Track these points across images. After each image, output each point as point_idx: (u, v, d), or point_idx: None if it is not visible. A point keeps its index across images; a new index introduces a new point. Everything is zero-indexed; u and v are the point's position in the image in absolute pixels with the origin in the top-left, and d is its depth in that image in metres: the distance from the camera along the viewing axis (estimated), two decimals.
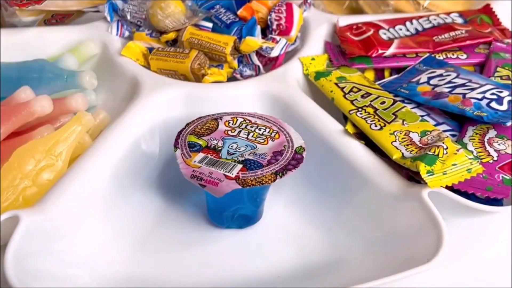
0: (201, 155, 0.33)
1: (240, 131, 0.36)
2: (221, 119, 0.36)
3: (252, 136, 0.35)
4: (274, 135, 0.36)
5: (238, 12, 0.48)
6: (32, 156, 0.35)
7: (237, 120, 0.36)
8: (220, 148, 0.34)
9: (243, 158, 0.33)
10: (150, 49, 0.46)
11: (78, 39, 0.47)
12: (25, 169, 0.34)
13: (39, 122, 0.39)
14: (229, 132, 0.35)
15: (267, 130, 0.36)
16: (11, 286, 0.27)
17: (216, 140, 0.35)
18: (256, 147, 0.34)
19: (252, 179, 0.32)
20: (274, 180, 0.32)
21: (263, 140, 0.35)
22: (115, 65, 0.45)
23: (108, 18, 0.48)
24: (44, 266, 0.30)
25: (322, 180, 0.38)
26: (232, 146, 0.34)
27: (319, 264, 0.34)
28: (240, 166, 0.33)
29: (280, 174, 0.32)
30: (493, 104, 0.37)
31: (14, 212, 0.30)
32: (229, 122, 0.36)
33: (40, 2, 0.46)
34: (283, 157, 0.34)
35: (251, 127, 0.36)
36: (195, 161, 0.33)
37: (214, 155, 0.33)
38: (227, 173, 0.32)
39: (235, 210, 0.35)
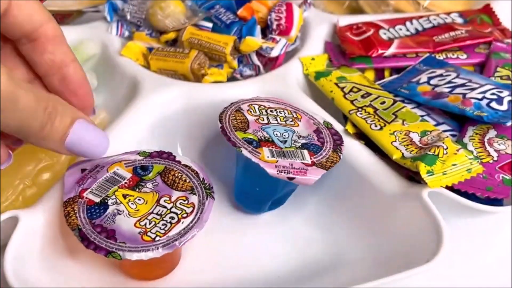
0: (266, 149, 0.32)
1: (268, 118, 0.35)
2: (242, 110, 0.36)
3: (281, 120, 0.35)
4: (296, 116, 0.36)
5: (238, 12, 0.47)
6: (32, 156, 0.35)
7: (254, 107, 0.36)
8: (270, 139, 0.33)
9: (300, 144, 0.33)
10: (150, 49, 0.46)
11: (78, 39, 0.47)
12: (25, 169, 0.34)
13: None
14: (260, 121, 0.35)
15: (286, 112, 0.36)
16: (10, 287, 0.27)
17: (259, 131, 0.34)
18: (295, 130, 0.34)
19: (325, 160, 0.32)
20: (340, 158, 0.33)
21: (292, 122, 0.35)
22: (115, 65, 0.45)
23: (108, 18, 0.48)
24: (44, 266, 0.30)
25: (322, 180, 0.38)
26: (277, 134, 0.34)
27: (319, 264, 0.34)
28: (306, 151, 0.33)
29: (339, 151, 0.33)
30: (493, 104, 0.37)
31: (13, 212, 0.30)
32: (250, 111, 0.36)
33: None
34: (324, 134, 0.34)
35: (271, 111, 0.36)
36: (268, 157, 0.32)
37: (274, 147, 0.33)
38: (304, 161, 0.32)
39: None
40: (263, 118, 0.35)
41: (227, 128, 0.33)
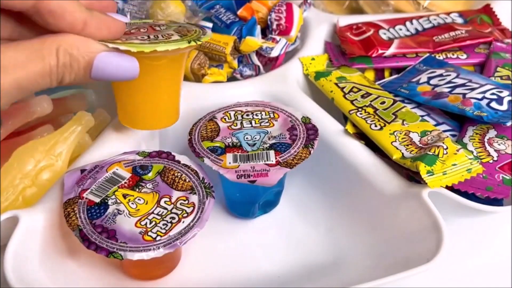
0: (229, 155, 0.33)
1: (241, 122, 0.36)
2: (215, 118, 0.36)
3: (256, 123, 0.35)
4: (273, 116, 0.36)
5: (238, 12, 0.47)
6: (31, 156, 0.35)
7: (229, 114, 0.36)
8: (239, 144, 0.34)
9: (268, 144, 0.33)
10: None
11: None
12: (24, 169, 0.34)
13: (39, 122, 0.39)
14: (233, 127, 0.35)
15: (263, 113, 0.36)
16: (10, 287, 0.27)
17: (228, 138, 0.34)
18: (268, 131, 0.35)
19: (291, 158, 0.32)
20: (310, 153, 0.33)
21: (268, 123, 0.35)
22: None
23: None
24: (44, 266, 0.30)
25: (322, 180, 0.38)
26: (247, 138, 0.34)
27: (319, 264, 0.34)
28: (272, 151, 0.33)
29: (310, 146, 0.33)
30: (493, 104, 0.37)
31: (13, 212, 0.30)
32: (224, 118, 0.36)
33: None
34: (299, 130, 0.34)
35: (247, 115, 0.36)
36: (229, 163, 0.32)
37: (240, 151, 0.33)
38: (267, 162, 0.32)
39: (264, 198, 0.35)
40: (236, 124, 0.35)
41: (194, 139, 0.34)
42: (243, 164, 0.32)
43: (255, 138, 0.34)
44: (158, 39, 0.29)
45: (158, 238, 0.28)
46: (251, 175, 0.31)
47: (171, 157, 0.33)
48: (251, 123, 0.35)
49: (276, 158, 0.32)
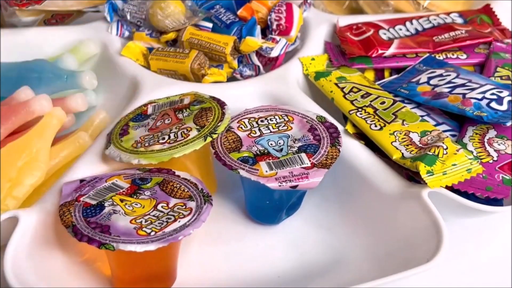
0: (263, 164, 0.32)
1: (259, 129, 0.35)
2: (232, 128, 0.36)
3: (274, 128, 0.35)
4: (288, 119, 0.36)
5: (238, 12, 0.48)
6: (13, 158, 0.34)
7: (244, 122, 0.36)
8: (266, 151, 0.33)
9: (296, 148, 0.33)
10: (150, 49, 0.46)
11: (78, 39, 0.47)
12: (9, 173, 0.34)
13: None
14: (252, 135, 0.35)
15: (277, 117, 0.36)
16: (10, 286, 0.27)
17: (253, 146, 0.34)
18: (289, 135, 0.34)
19: (324, 159, 0.32)
20: (340, 151, 0.33)
21: (285, 127, 0.35)
22: (115, 65, 0.45)
23: (108, 18, 0.48)
24: (44, 266, 0.30)
25: (322, 180, 0.38)
26: (271, 144, 0.34)
27: (319, 264, 0.34)
28: (303, 154, 0.33)
29: (337, 144, 0.33)
30: (493, 104, 0.37)
31: (13, 212, 0.30)
32: (241, 127, 0.36)
33: (40, 2, 0.46)
34: (319, 130, 0.34)
35: (262, 121, 0.36)
36: (266, 171, 0.32)
37: (271, 158, 0.33)
38: (303, 165, 0.32)
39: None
40: (255, 131, 0.35)
41: (221, 152, 0.34)
42: (280, 170, 0.32)
43: (280, 143, 0.34)
44: (177, 140, 0.32)
45: (153, 233, 0.28)
46: (292, 180, 0.31)
47: (171, 172, 0.33)
48: (268, 128, 0.35)
49: (310, 160, 0.32)
